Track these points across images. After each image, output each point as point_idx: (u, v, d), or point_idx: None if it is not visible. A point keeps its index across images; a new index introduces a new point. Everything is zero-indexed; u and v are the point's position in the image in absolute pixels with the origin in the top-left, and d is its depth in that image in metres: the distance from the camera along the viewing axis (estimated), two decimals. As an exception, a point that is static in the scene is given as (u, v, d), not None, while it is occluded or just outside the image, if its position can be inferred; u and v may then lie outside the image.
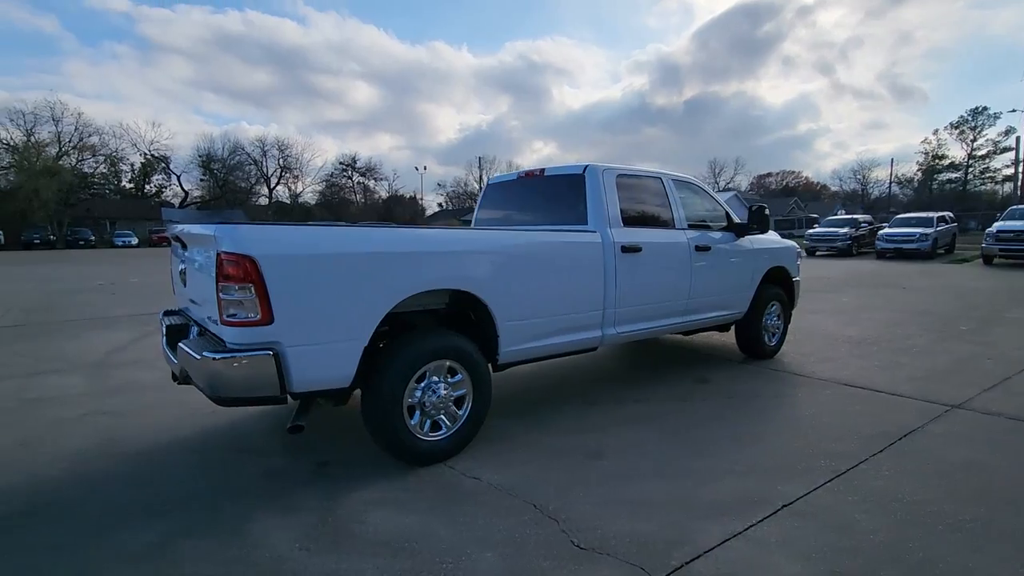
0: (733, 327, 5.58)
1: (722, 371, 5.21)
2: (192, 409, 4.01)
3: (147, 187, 64.45)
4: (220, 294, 2.57)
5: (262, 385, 2.62)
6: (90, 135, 52.61)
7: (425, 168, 62.61)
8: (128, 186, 64.26)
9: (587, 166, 4.27)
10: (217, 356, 2.54)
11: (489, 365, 3.47)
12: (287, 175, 61.97)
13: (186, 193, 62.08)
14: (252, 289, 2.54)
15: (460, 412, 3.32)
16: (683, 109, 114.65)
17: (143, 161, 61.15)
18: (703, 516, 2.61)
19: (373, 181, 69.60)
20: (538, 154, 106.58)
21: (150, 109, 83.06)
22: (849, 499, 2.78)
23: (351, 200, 67.48)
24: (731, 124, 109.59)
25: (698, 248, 4.76)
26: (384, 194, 69.55)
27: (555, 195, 4.45)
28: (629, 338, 4.43)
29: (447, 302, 3.49)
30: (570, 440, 3.55)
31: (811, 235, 24.52)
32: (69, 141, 50.37)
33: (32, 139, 48.30)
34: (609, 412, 4.08)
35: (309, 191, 65.93)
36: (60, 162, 47.77)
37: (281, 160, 61.36)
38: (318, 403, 3.13)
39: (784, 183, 79.39)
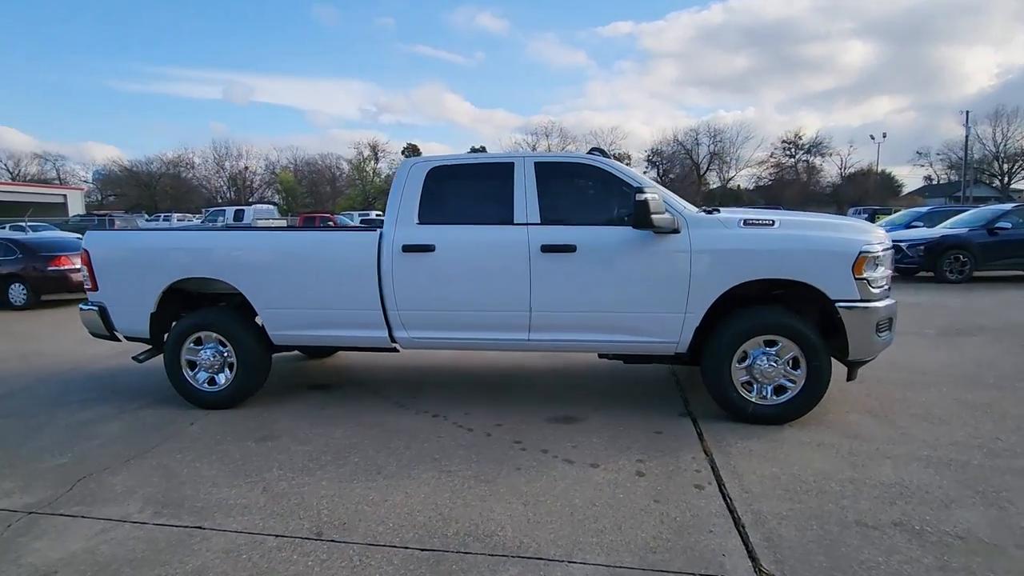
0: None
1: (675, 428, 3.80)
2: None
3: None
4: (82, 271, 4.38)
5: (99, 328, 4.32)
6: (568, 143, 66.75)
7: (884, 136, 50.26)
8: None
9: (404, 161, 4.08)
10: (82, 308, 4.38)
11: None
12: (716, 161, 62.15)
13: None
14: (87, 269, 4.24)
15: (229, 374, 4.16)
16: None
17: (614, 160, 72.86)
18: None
19: (820, 158, 61.68)
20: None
21: (644, 112, 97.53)
22: None
23: (792, 180, 61.91)
24: None
25: (547, 248, 3.69)
26: (836, 170, 60.71)
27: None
28: (431, 345, 4.03)
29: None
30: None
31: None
32: (550, 151, 65.28)
33: (535, 150, 65.21)
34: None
35: (744, 175, 64.18)
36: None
37: (712, 147, 61.94)
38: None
39: None
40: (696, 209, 3.77)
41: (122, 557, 2.34)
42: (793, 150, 63.29)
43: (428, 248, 3.81)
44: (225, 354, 4.15)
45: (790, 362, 3.57)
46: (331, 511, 2.68)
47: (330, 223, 22.65)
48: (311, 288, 4.00)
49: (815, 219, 3.98)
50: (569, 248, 3.67)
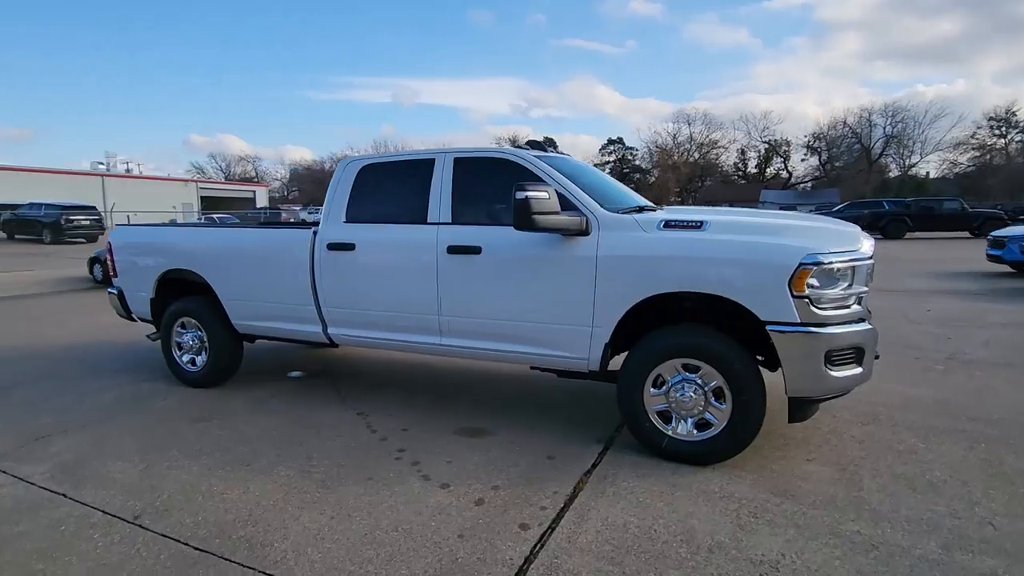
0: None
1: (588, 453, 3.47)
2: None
3: (768, 171, 70.35)
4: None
5: (120, 310, 5.02)
6: (713, 131, 62.41)
7: None
8: (753, 171, 71.97)
9: (341, 160, 4.12)
10: (109, 292, 5.12)
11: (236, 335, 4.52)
12: (893, 145, 53.32)
13: (789, 175, 64.02)
14: (110, 259, 4.95)
15: (205, 357, 4.59)
16: None
17: (766, 146, 66.82)
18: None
19: (1040, 137, 49.99)
20: None
21: (816, 92, 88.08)
22: None
23: (1001, 165, 51.02)
24: None
25: (453, 249, 3.48)
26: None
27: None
28: (359, 343, 4.02)
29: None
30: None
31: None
32: (692, 139, 61.55)
33: (676, 139, 62.16)
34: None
35: (933, 160, 54.39)
36: (684, 157, 59.47)
37: (889, 128, 53.22)
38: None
39: None
40: (647, 207, 3.29)
41: (-16, 512, 2.70)
42: (1004, 128, 52.27)
43: (349, 247, 3.82)
44: (203, 338, 4.58)
45: (713, 393, 2.97)
46: (170, 497, 2.83)
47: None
48: (259, 282, 4.24)
49: (772, 220, 3.23)
50: (474, 250, 3.43)
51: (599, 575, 2.15)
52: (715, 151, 63.45)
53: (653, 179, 60.34)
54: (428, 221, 3.62)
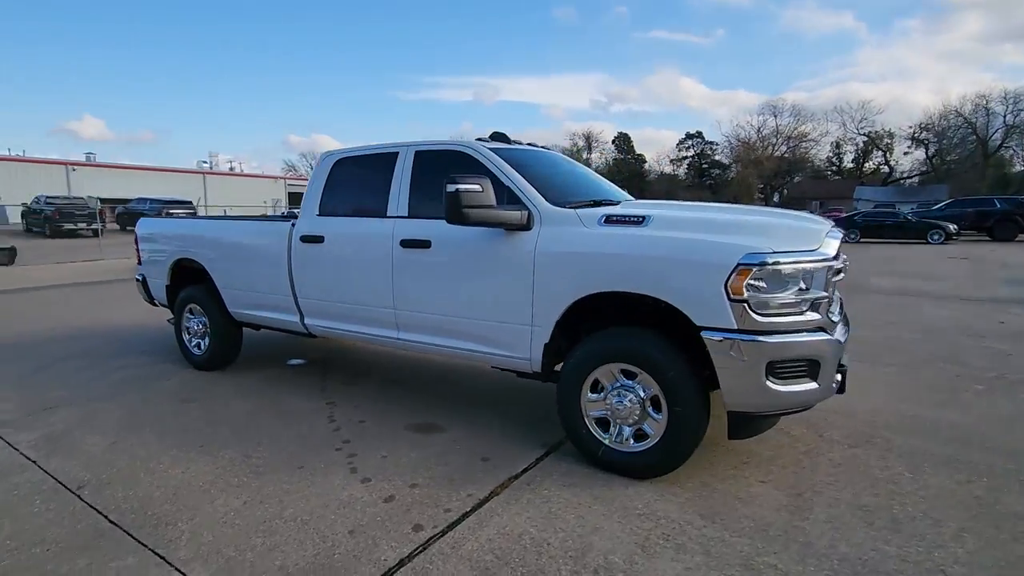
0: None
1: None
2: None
3: (866, 165, 65.00)
4: (136, 248, 5.54)
5: (143, 294, 5.44)
6: (803, 123, 58.38)
7: None
8: (849, 166, 66.74)
9: (321, 154, 4.20)
10: (136, 279, 5.55)
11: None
12: (1014, 136, 47.25)
13: (890, 170, 58.77)
14: (135, 247, 5.37)
15: (204, 340, 4.87)
16: None
17: (865, 139, 61.81)
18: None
19: None
20: None
21: (930, 79, 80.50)
22: None
23: None
24: None
25: (406, 243, 3.45)
26: None
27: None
28: (330, 334, 4.08)
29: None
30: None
31: None
32: (778, 133, 57.87)
33: (760, 133, 58.80)
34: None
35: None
36: (768, 151, 56.11)
37: (1009, 118, 47.19)
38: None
39: None
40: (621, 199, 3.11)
41: (-37, 472, 3.01)
42: None
43: (319, 239, 3.90)
44: (206, 324, 4.86)
45: (651, 402, 2.75)
46: (118, 471, 3.00)
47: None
48: (248, 272, 4.43)
49: (726, 216, 2.92)
50: (424, 244, 3.39)
51: (456, 585, 2.05)
52: (804, 144, 59.27)
53: (733, 175, 57.39)
54: (388, 214, 3.62)
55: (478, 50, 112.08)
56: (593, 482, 2.80)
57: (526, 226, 3.03)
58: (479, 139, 3.65)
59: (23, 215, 27.10)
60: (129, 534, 2.41)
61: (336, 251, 3.85)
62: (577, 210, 3.01)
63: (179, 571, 2.16)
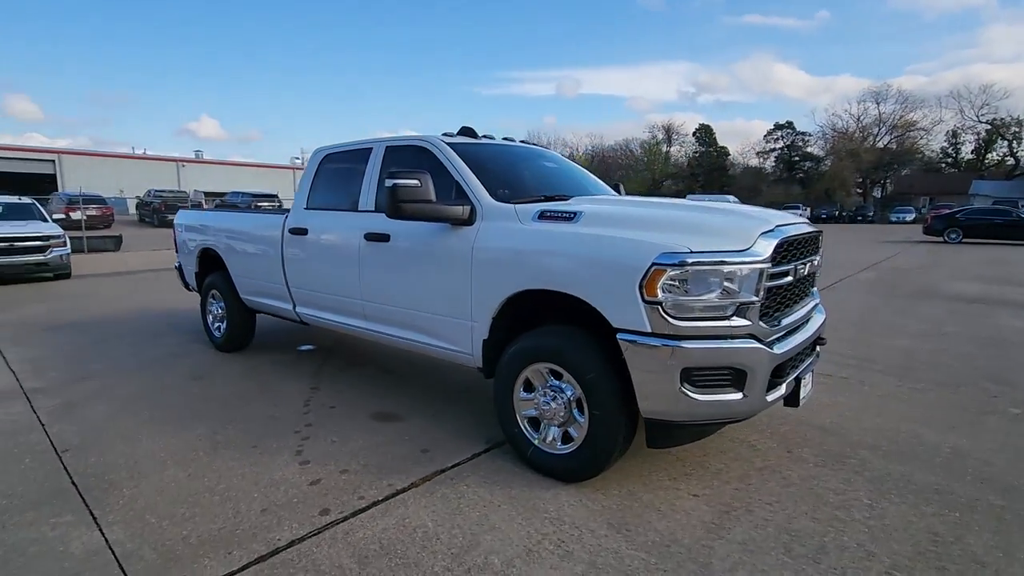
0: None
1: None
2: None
3: (988, 157, 58.20)
4: (176, 238, 6.05)
5: (182, 281, 5.95)
6: (911, 110, 53.09)
7: None
8: (968, 157, 60.07)
9: (315, 149, 4.38)
10: (175, 266, 6.07)
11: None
12: None
13: (1016, 161, 52.24)
14: (174, 237, 5.88)
15: (222, 324, 5.26)
16: None
17: (987, 127, 55.42)
18: (66, 405, 3.92)
19: None
20: None
21: None
22: None
23: None
24: None
25: (369, 237, 3.55)
26: None
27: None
28: (319, 323, 4.25)
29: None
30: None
31: None
32: (881, 121, 52.96)
33: (860, 122, 54.20)
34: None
35: None
36: (869, 141, 51.57)
37: None
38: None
39: None
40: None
41: (-16, 430, 3.46)
42: None
43: (303, 232, 4.09)
44: (224, 308, 5.24)
45: (576, 404, 2.67)
46: (100, 438, 3.33)
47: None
48: (252, 261, 4.73)
49: (666, 212, 2.73)
50: (384, 237, 3.46)
51: (338, 571, 2.11)
52: (912, 134, 53.78)
53: (826, 168, 53.23)
54: (359, 208, 3.74)
55: (558, 43, 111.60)
56: (516, 482, 2.76)
57: (468, 221, 3.02)
58: (445, 134, 3.67)
59: (137, 206, 30.42)
60: (80, 495, 2.68)
61: (317, 243, 4.02)
62: (516, 206, 2.95)
63: (101, 531, 2.38)
